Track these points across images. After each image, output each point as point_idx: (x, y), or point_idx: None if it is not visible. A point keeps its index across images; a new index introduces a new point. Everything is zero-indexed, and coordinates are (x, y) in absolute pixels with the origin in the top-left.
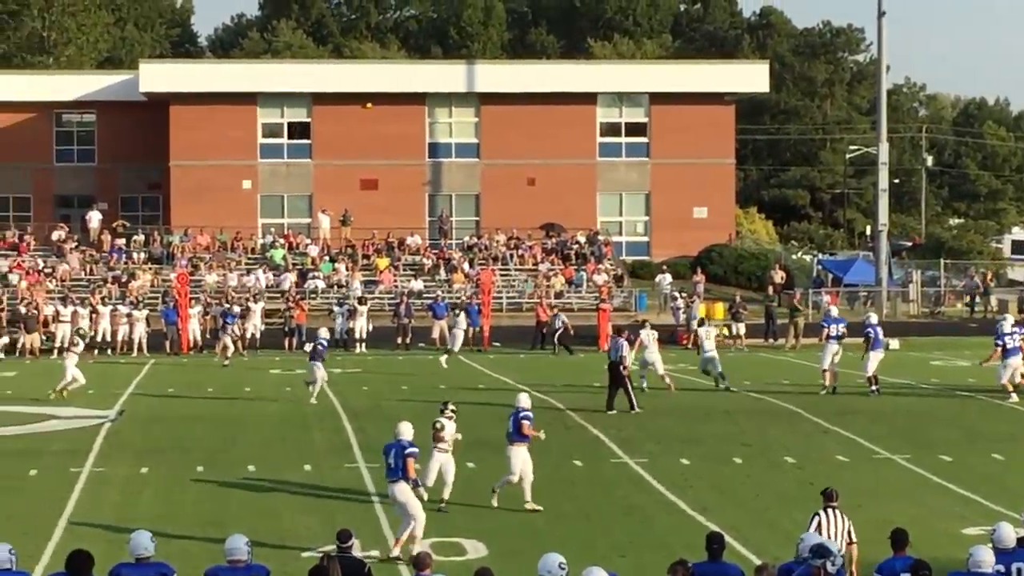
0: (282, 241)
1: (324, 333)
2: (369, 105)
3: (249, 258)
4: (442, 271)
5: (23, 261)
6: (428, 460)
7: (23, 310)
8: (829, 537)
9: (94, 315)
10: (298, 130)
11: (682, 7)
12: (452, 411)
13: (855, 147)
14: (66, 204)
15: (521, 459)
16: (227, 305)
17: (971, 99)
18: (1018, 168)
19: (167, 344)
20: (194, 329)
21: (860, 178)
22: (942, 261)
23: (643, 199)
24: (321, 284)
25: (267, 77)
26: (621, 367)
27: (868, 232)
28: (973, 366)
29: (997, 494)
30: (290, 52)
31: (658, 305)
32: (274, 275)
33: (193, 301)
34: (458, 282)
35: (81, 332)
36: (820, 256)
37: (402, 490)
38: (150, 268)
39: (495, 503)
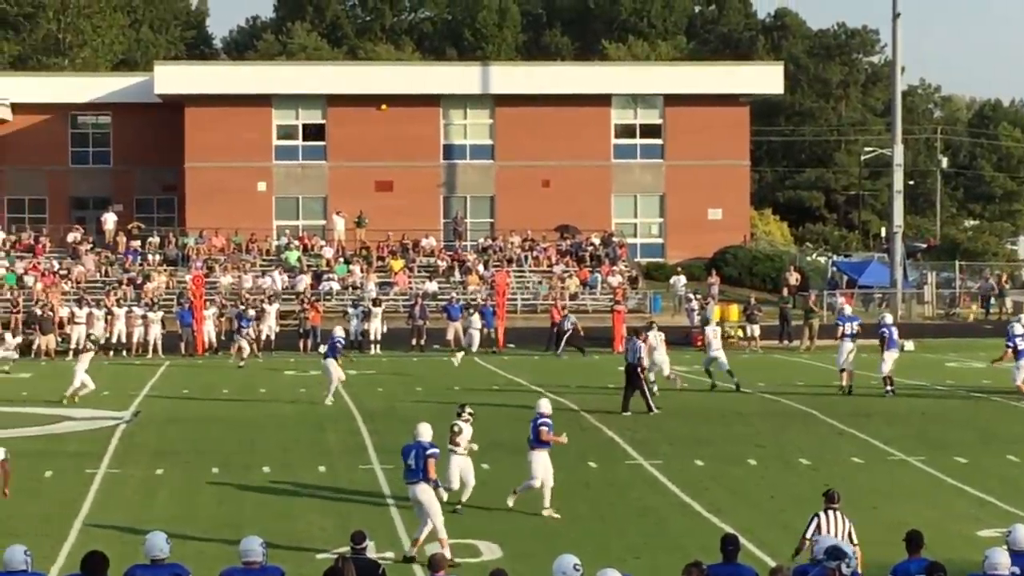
0: (297, 243)
1: (340, 332)
2: (384, 107)
3: (264, 260)
4: (457, 273)
5: (39, 263)
6: (447, 463)
7: (38, 312)
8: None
9: (109, 317)
10: (313, 132)
11: (696, 9)
12: (469, 414)
13: (870, 148)
14: (81, 206)
15: (542, 465)
16: (242, 307)
17: (986, 100)
18: None
19: (182, 346)
20: (209, 331)
21: (875, 180)
22: (957, 263)
23: (658, 201)
24: (336, 286)
25: (282, 79)
26: (638, 369)
27: (883, 234)
28: (988, 367)
29: (1012, 496)
30: (305, 54)
31: (673, 307)
32: (289, 277)
33: (208, 303)
34: (473, 284)
35: (93, 338)
36: (835, 258)
37: (423, 490)
38: (165, 270)
39: (511, 503)
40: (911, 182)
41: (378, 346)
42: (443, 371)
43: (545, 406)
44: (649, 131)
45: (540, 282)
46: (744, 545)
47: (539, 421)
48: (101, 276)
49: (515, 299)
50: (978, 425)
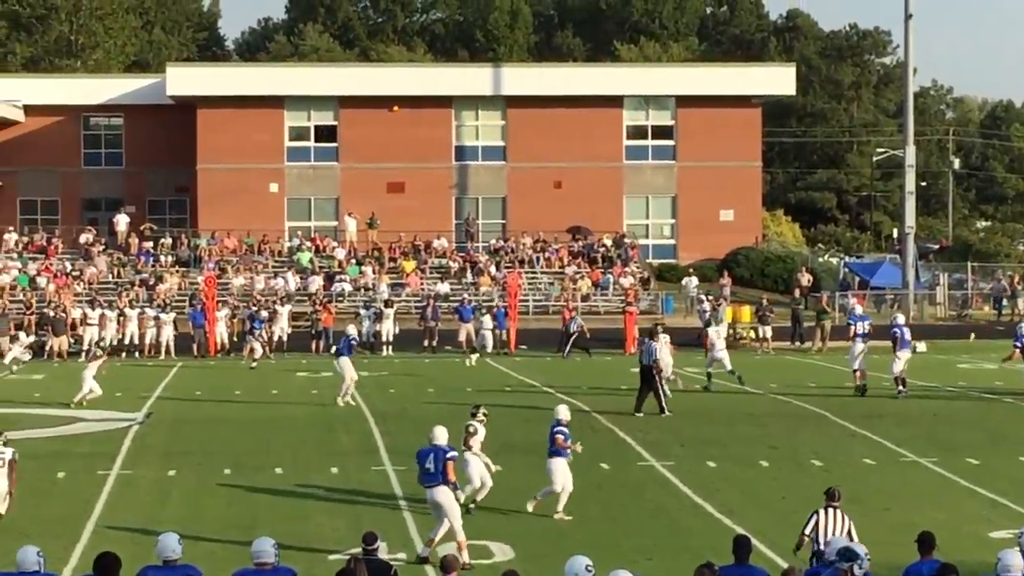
0: (309, 244)
1: (352, 331)
2: (396, 108)
3: (276, 261)
4: (469, 274)
5: (51, 264)
6: (464, 463)
7: (51, 313)
8: (827, 536)
9: (121, 318)
10: (325, 133)
11: (708, 10)
12: (484, 415)
13: (882, 150)
14: (94, 207)
15: (561, 472)
16: (254, 308)
17: (998, 101)
18: None
19: (194, 347)
20: (221, 332)
21: (887, 181)
22: (969, 264)
23: (669, 202)
24: (348, 287)
25: (294, 80)
26: (654, 370)
27: (895, 235)
28: (1000, 369)
29: None
30: (316, 55)
31: (685, 308)
32: (301, 278)
33: (220, 304)
34: (485, 285)
35: (102, 344)
36: (847, 259)
37: (443, 492)
38: (177, 271)
39: (531, 508)
40: (923, 183)
41: (390, 347)
42: (455, 372)
43: (563, 412)
44: (661, 132)
45: (552, 283)
46: (756, 546)
47: (556, 428)
48: (113, 277)
49: (527, 300)
50: (990, 427)
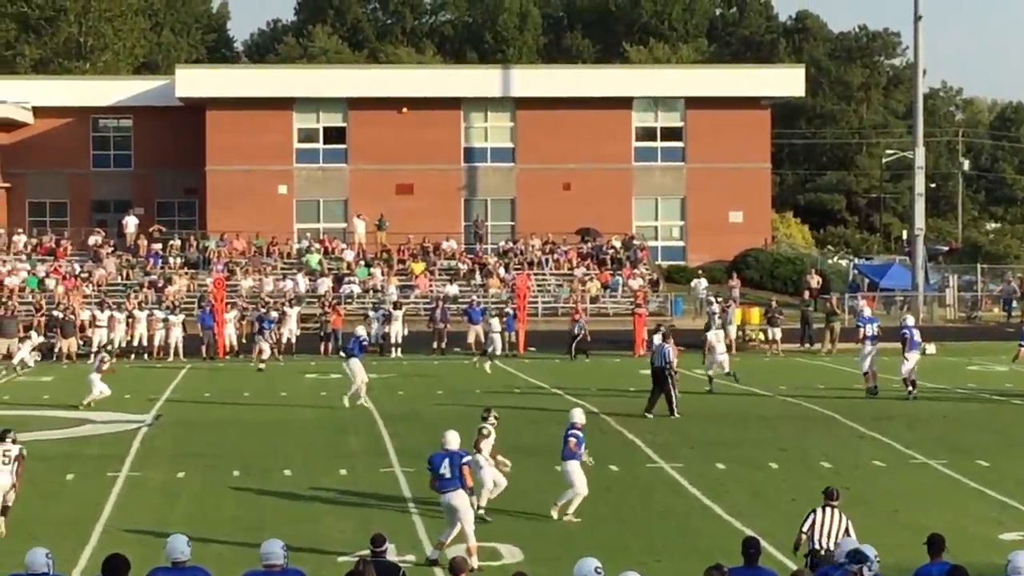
0: (317, 246)
1: (361, 331)
2: (405, 110)
3: (285, 263)
4: (478, 276)
5: (60, 266)
6: (476, 467)
7: (60, 315)
8: (823, 535)
9: (130, 320)
10: (334, 135)
11: (717, 11)
12: (495, 418)
13: (891, 151)
14: (102, 209)
15: (578, 475)
16: (263, 310)
17: (1008, 103)
18: None
19: (203, 349)
20: (230, 334)
21: (896, 182)
22: (979, 265)
23: (679, 203)
24: (357, 289)
25: (303, 82)
26: (666, 372)
27: (904, 236)
28: (1010, 370)
29: None
30: (326, 57)
31: (694, 310)
32: (310, 280)
33: (229, 306)
34: (493, 287)
35: (109, 349)
36: (856, 260)
37: (460, 496)
38: (186, 273)
39: (555, 515)
40: (932, 185)
41: (399, 349)
42: (464, 374)
43: (578, 415)
44: (670, 134)
45: (561, 285)
46: (765, 548)
47: (569, 431)
48: (122, 279)
49: (536, 302)
50: (999, 428)
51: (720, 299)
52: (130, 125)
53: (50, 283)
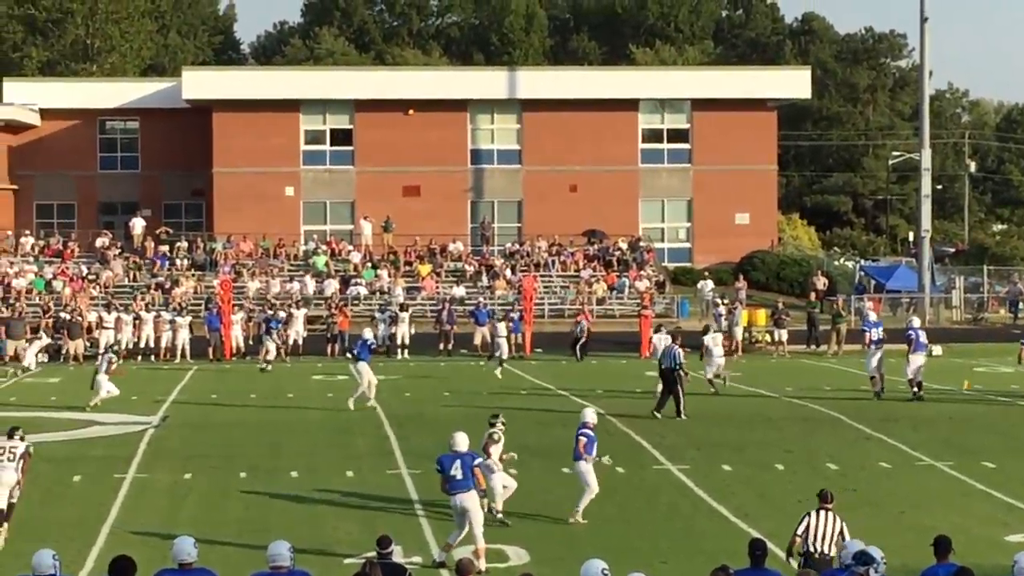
0: (324, 248)
1: (368, 334)
2: (411, 112)
3: (291, 265)
4: (484, 277)
5: (67, 268)
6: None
7: (67, 317)
8: (817, 538)
9: (137, 321)
10: (340, 137)
11: (724, 13)
12: (503, 423)
13: (898, 153)
14: (110, 211)
15: (592, 474)
16: (270, 312)
17: (1014, 104)
18: None
19: (210, 350)
20: (237, 335)
21: (903, 184)
22: (985, 267)
23: (685, 205)
24: (363, 290)
25: (309, 84)
26: (675, 373)
27: (911, 238)
28: (1016, 372)
29: None
30: (332, 59)
31: (700, 312)
32: (316, 282)
33: (236, 308)
34: (500, 289)
35: (115, 349)
36: (862, 262)
37: (471, 498)
38: (193, 275)
39: (579, 519)
40: (939, 186)
41: (406, 351)
42: (470, 376)
43: (589, 415)
44: (676, 136)
45: (567, 287)
46: (772, 550)
47: (580, 431)
48: (129, 281)
49: (542, 304)
50: (1006, 430)
51: (726, 301)
52: (137, 127)
53: (57, 285)
